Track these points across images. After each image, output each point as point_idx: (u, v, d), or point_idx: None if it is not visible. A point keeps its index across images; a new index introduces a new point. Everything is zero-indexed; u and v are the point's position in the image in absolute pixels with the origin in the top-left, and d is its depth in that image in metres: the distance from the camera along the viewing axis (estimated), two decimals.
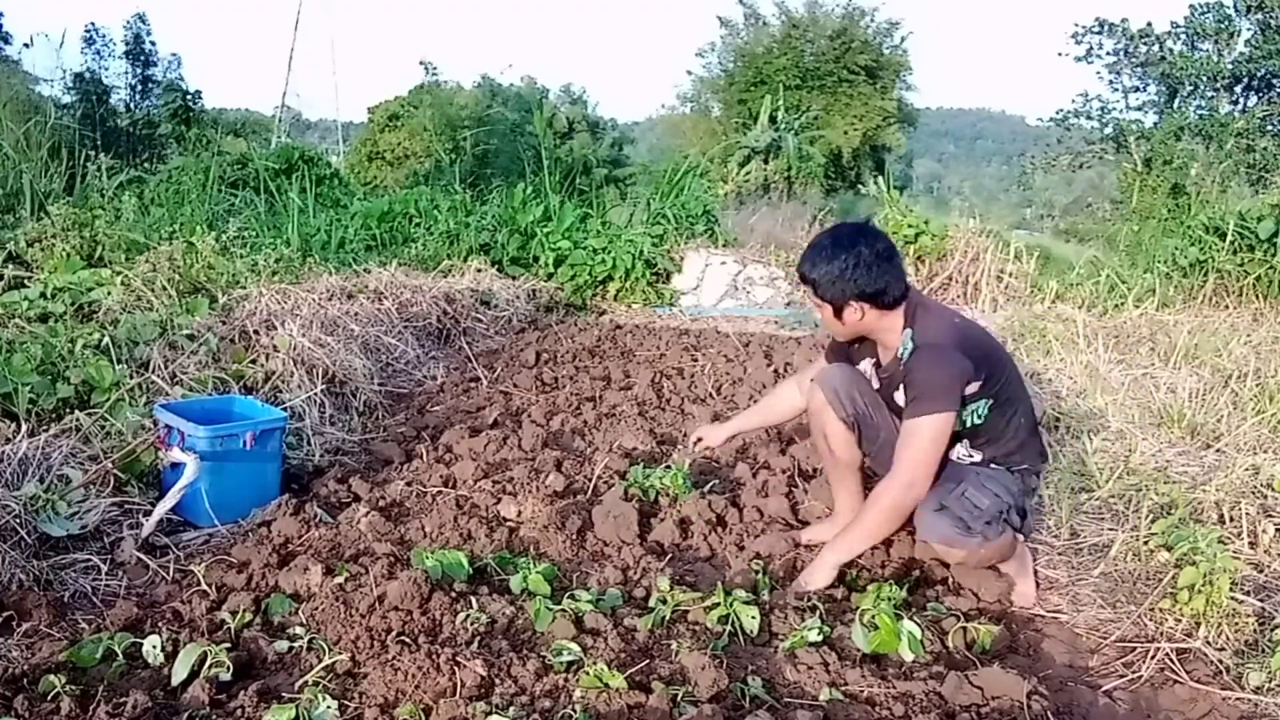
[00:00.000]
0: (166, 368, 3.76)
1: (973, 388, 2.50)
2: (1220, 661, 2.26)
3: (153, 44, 18.31)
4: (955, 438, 2.60)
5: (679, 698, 1.94)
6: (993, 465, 2.63)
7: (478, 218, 8.49)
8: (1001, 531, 2.53)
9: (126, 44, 18.04)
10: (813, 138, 25.22)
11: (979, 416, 2.56)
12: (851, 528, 2.61)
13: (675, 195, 9.88)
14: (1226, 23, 23.89)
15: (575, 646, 2.11)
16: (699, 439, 3.19)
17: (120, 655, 2.07)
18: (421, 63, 21.38)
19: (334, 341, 4.53)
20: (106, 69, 17.53)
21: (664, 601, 2.37)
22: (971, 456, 2.65)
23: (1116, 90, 26.02)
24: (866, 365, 2.79)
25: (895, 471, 2.51)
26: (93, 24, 17.56)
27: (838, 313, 2.58)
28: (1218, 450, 3.63)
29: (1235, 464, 3.30)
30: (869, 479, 2.90)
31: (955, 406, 2.47)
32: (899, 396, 2.60)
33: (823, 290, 2.56)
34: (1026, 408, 2.69)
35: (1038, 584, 2.78)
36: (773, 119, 24.93)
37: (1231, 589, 2.37)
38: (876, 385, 2.76)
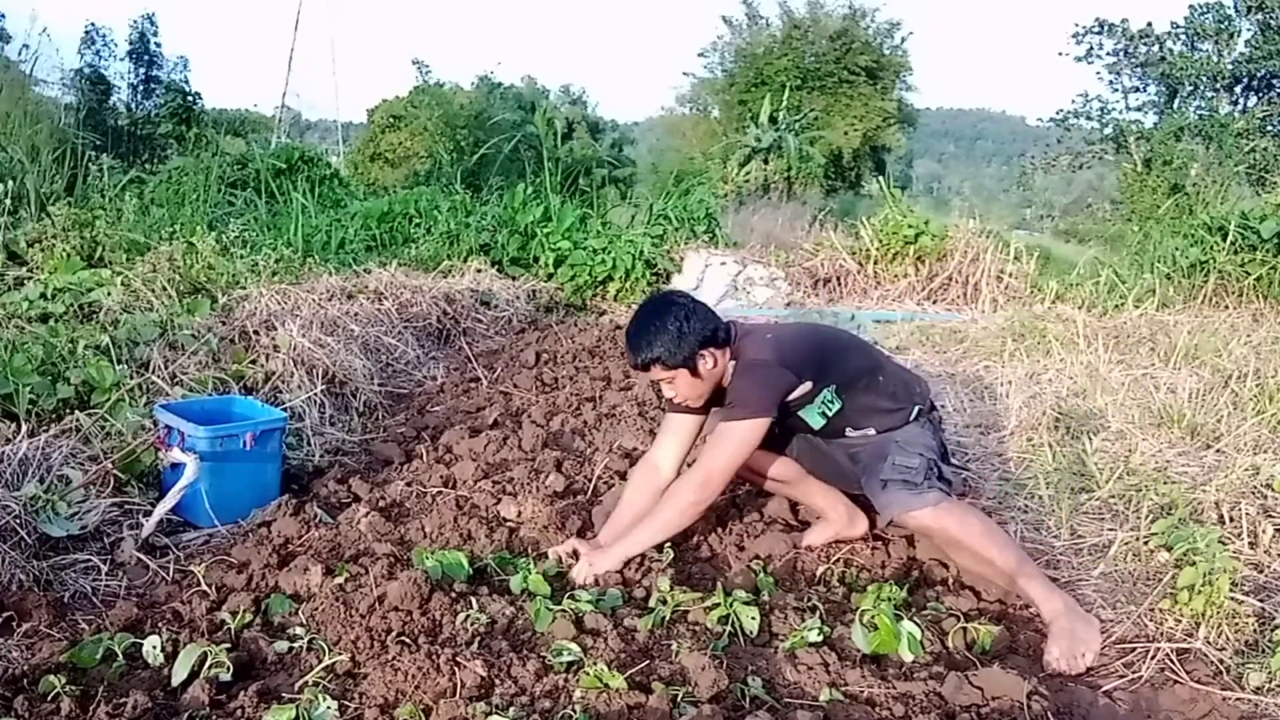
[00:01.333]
0: (166, 368, 3.76)
1: (804, 388, 2.62)
2: (1220, 661, 2.25)
3: (158, 45, 18.32)
4: (838, 429, 2.72)
5: (679, 698, 1.94)
6: (892, 430, 2.70)
7: (478, 218, 8.50)
8: (939, 484, 2.58)
9: (131, 44, 18.04)
10: (813, 138, 25.22)
11: (833, 406, 2.67)
12: (646, 524, 2.62)
13: (677, 197, 9.89)
14: (1226, 23, 23.89)
15: (575, 647, 2.11)
16: (573, 553, 2.71)
17: (120, 655, 2.07)
18: (414, 61, 21.23)
19: (334, 342, 4.53)
20: (107, 68, 17.53)
21: (664, 602, 2.37)
22: (866, 434, 2.72)
23: (1116, 90, 26.04)
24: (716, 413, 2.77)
25: (695, 469, 2.61)
26: (93, 24, 17.57)
27: (694, 371, 2.61)
28: (1218, 450, 3.63)
29: (1235, 464, 3.30)
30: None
31: (768, 413, 2.56)
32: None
33: (671, 359, 2.58)
34: (878, 370, 2.78)
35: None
36: (773, 119, 24.93)
37: (1231, 589, 2.37)
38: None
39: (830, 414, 2.68)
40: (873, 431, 2.72)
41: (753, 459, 2.74)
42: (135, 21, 18.12)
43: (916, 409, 2.75)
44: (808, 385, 2.62)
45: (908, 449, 2.64)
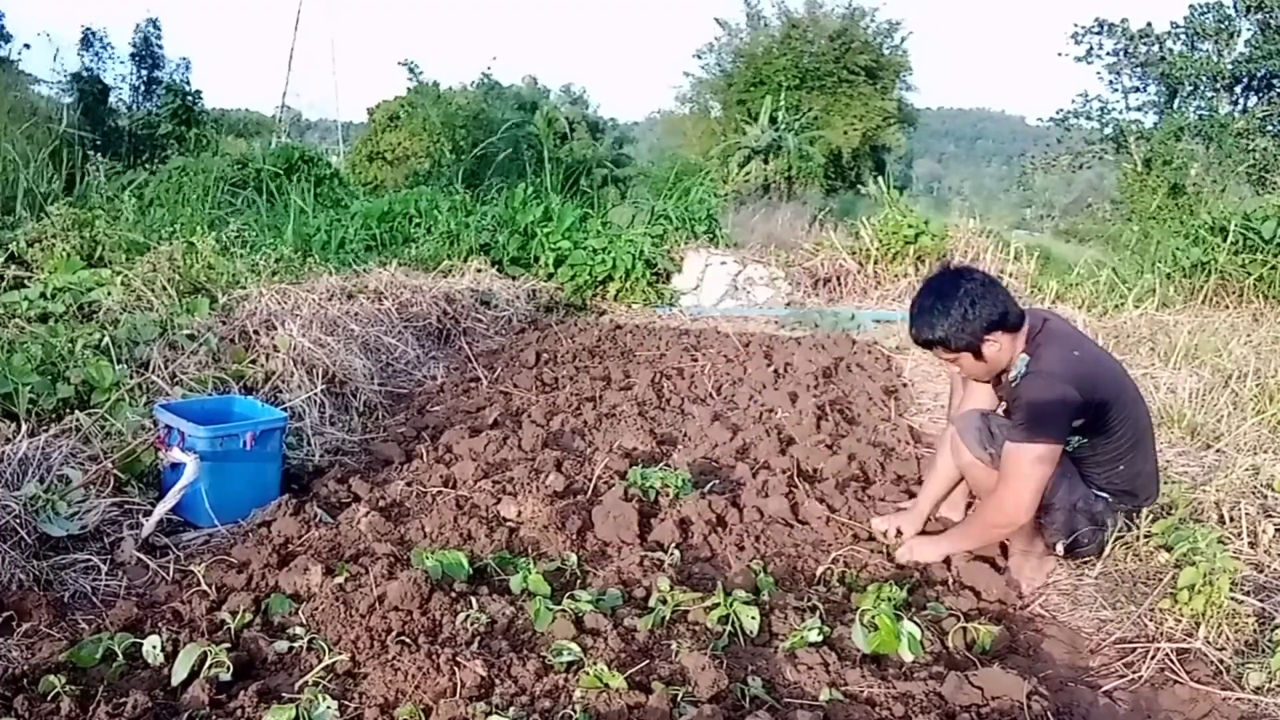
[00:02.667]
0: (166, 368, 3.76)
1: (1077, 422, 2.52)
2: (1220, 661, 2.25)
3: (160, 47, 18.34)
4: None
5: (679, 698, 1.94)
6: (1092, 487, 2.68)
7: (478, 218, 8.49)
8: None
9: (134, 46, 18.05)
10: (813, 138, 25.20)
11: (1070, 447, 2.61)
12: (964, 529, 2.79)
13: (677, 197, 9.89)
14: (1226, 23, 23.87)
15: (575, 646, 2.11)
16: (898, 531, 2.99)
17: (120, 655, 2.07)
18: (402, 63, 21.14)
19: (334, 341, 4.53)
20: (105, 70, 17.53)
21: (664, 601, 2.37)
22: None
23: (1116, 90, 26.00)
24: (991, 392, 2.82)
25: (996, 495, 2.57)
26: (89, 28, 17.57)
27: (978, 355, 2.57)
28: (1218, 450, 3.63)
29: (1235, 464, 3.30)
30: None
31: (1061, 438, 2.49)
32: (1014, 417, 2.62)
33: (955, 341, 2.55)
34: (1141, 451, 2.66)
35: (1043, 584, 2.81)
36: (773, 119, 24.92)
37: (1231, 589, 2.37)
38: (1002, 405, 2.77)
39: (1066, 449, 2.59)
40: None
41: (965, 467, 2.75)
42: (139, 25, 18.18)
43: (1126, 505, 2.70)
44: (1080, 423, 2.53)
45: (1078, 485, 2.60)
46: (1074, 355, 2.56)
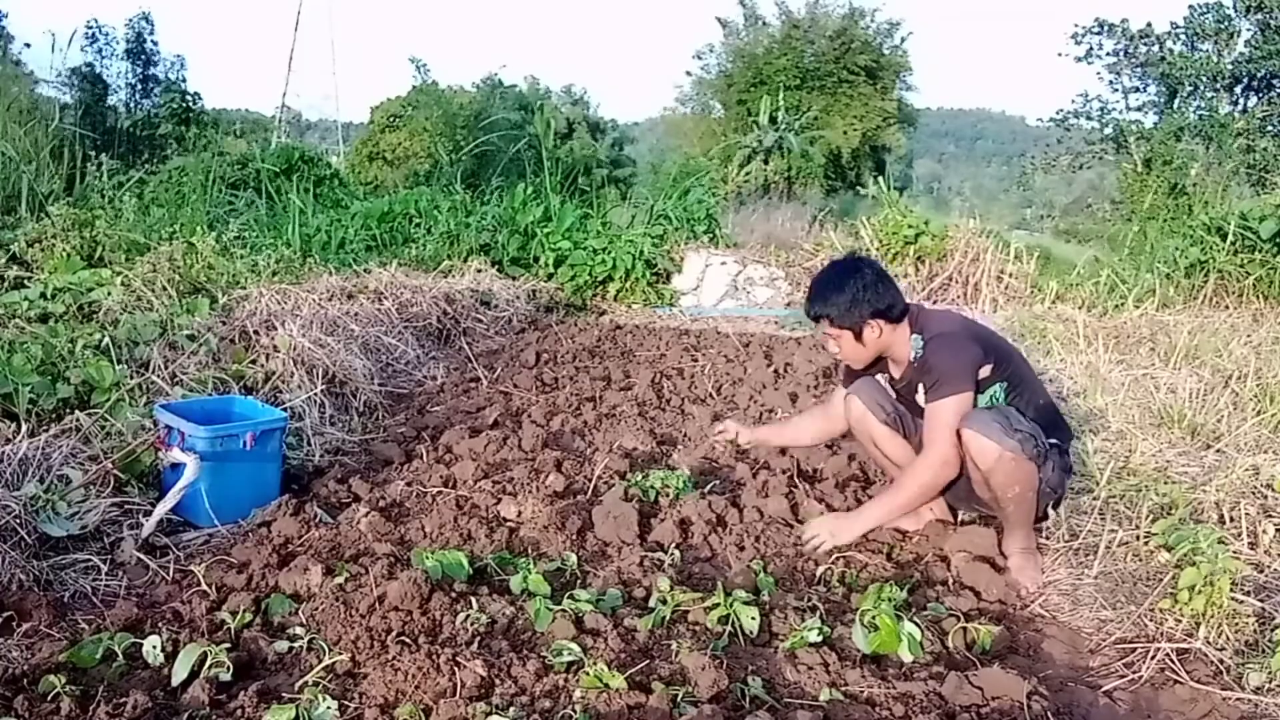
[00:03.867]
0: (166, 368, 3.76)
1: (985, 371, 2.70)
2: (1220, 661, 2.25)
3: (154, 43, 18.28)
4: None
5: (679, 698, 1.94)
6: None
7: (478, 218, 8.49)
8: (1036, 454, 2.63)
9: (128, 43, 17.98)
10: (813, 138, 25.21)
11: (996, 400, 2.73)
12: (888, 498, 2.84)
13: (677, 197, 9.88)
14: (1226, 23, 23.86)
15: (575, 646, 2.11)
16: (722, 430, 3.30)
17: (120, 655, 2.07)
18: (410, 60, 21.24)
19: (334, 342, 4.53)
20: (108, 68, 17.48)
21: (664, 602, 2.37)
22: None
23: (1116, 90, 25.98)
24: (881, 379, 3.00)
25: (927, 450, 2.70)
26: (94, 19, 17.46)
27: (858, 336, 2.78)
28: (1218, 450, 3.63)
29: (1235, 464, 3.30)
30: None
31: (972, 386, 2.67)
32: (920, 397, 2.78)
33: (840, 319, 2.76)
34: (1041, 391, 2.88)
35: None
36: (773, 119, 24.92)
37: (1231, 589, 2.37)
38: (894, 397, 2.97)
39: (992, 407, 2.72)
40: None
41: (878, 439, 2.96)
42: (131, 20, 18.11)
43: (1056, 442, 2.78)
44: (987, 370, 2.71)
45: (1025, 422, 2.68)
46: (958, 318, 2.88)
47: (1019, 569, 2.78)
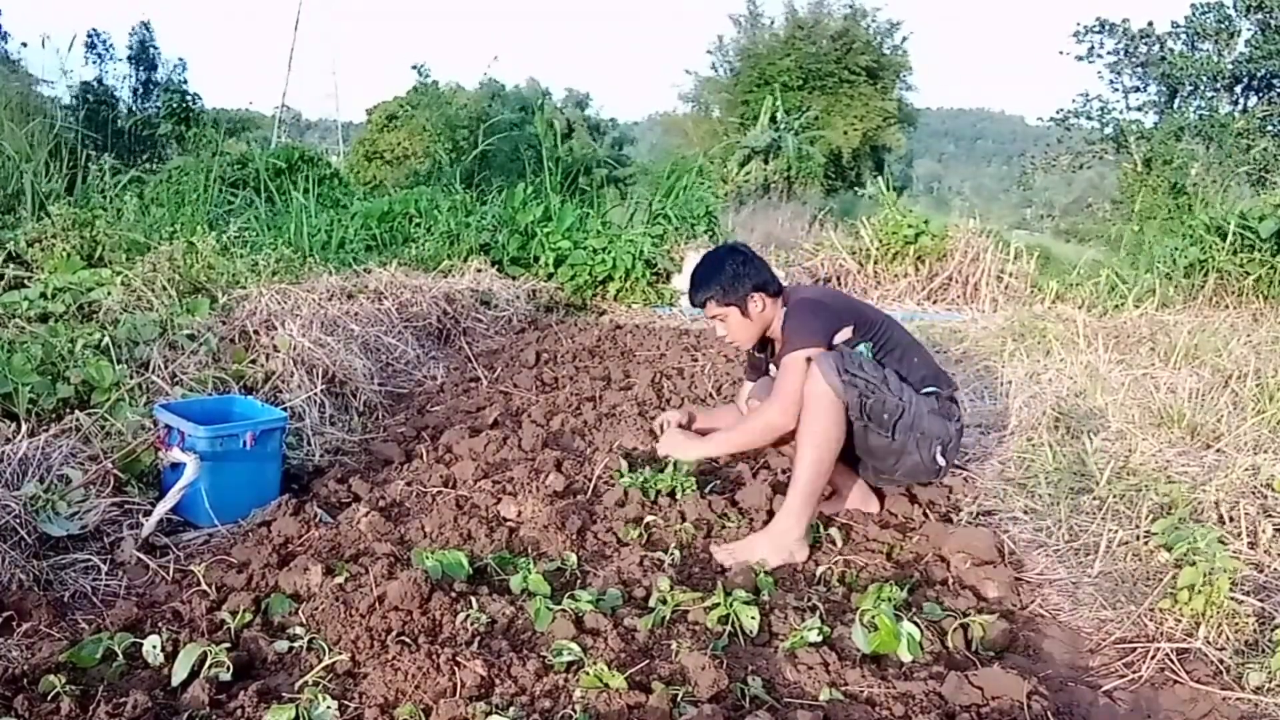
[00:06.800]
0: (166, 368, 3.76)
1: (845, 333, 2.86)
2: (1220, 661, 2.25)
3: (155, 49, 18.33)
4: None
5: (679, 698, 1.94)
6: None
7: (478, 218, 8.50)
8: (861, 406, 2.74)
9: (131, 49, 18.07)
10: (813, 138, 25.23)
11: (867, 355, 2.88)
12: (731, 434, 3.01)
13: (676, 196, 9.89)
14: (1227, 23, 23.86)
15: (575, 646, 2.11)
16: (665, 426, 3.29)
17: (120, 655, 2.07)
18: (414, 66, 21.28)
19: (334, 341, 4.53)
20: (108, 72, 17.54)
21: (664, 601, 2.37)
22: None
23: (1117, 90, 26.00)
24: (773, 369, 3.13)
25: (774, 397, 2.84)
26: (94, 30, 17.58)
27: (744, 311, 2.96)
28: (1218, 450, 3.63)
29: (1235, 464, 3.30)
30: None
31: (823, 342, 2.81)
32: None
33: (724, 297, 2.95)
34: (917, 349, 3.03)
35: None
36: (773, 119, 24.93)
37: (1231, 589, 2.37)
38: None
39: None
40: None
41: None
42: (134, 29, 18.21)
43: (933, 389, 2.94)
44: (847, 332, 2.86)
45: (889, 376, 2.81)
46: (825, 289, 3.18)
47: (764, 535, 2.80)
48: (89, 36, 17.29)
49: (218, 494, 2.94)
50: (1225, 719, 2.06)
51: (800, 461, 2.77)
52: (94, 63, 17.20)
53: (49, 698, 1.89)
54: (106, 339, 3.79)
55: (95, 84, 16.78)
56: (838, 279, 8.95)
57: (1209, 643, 2.31)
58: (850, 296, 3.15)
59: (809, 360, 2.75)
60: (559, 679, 2.00)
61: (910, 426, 2.83)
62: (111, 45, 17.61)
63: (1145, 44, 24.90)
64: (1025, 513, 3.29)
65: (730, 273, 2.92)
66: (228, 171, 9.86)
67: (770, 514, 3.06)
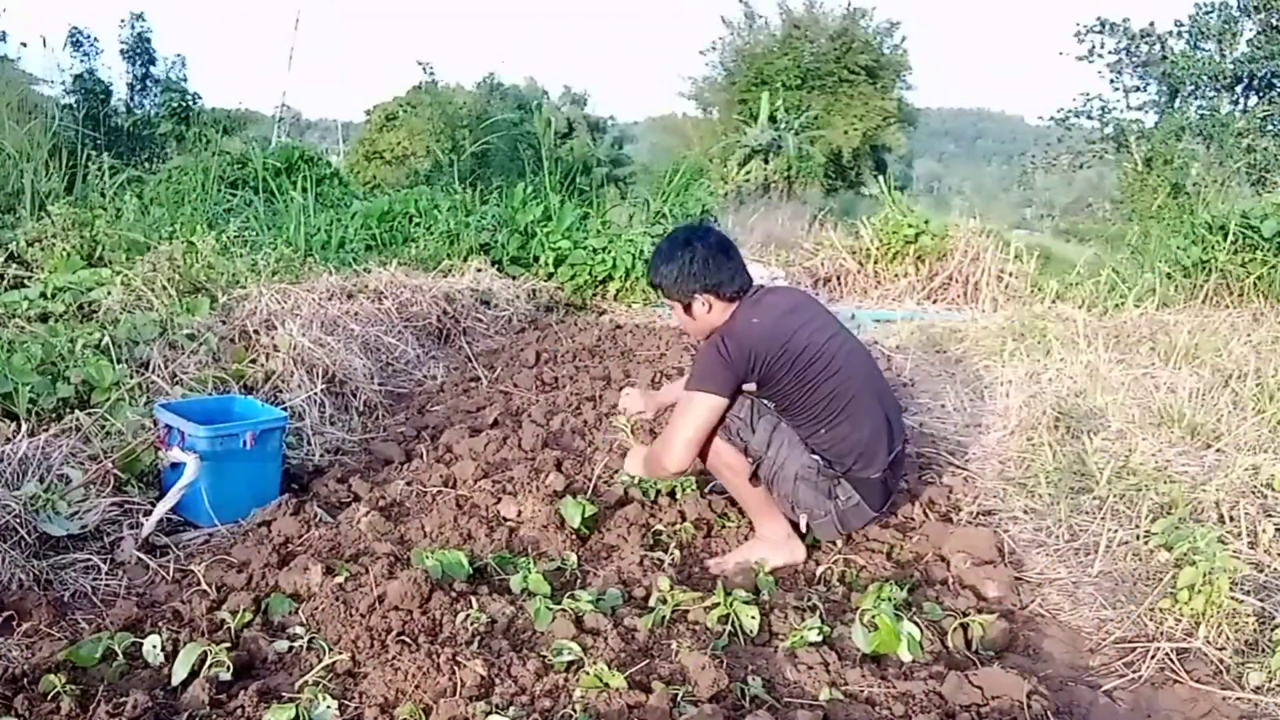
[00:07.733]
0: (166, 367, 3.76)
1: (749, 387, 2.71)
2: (1220, 661, 2.25)
3: (149, 40, 18.24)
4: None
5: (679, 698, 1.94)
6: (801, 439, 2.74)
7: (478, 217, 8.49)
8: (751, 461, 2.70)
9: (124, 43, 17.98)
10: (813, 137, 25.23)
11: (769, 407, 2.76)
12: (637, 459, 2.90)
13: (675, 195, 9.88)
14: (1230, 23, 23.84)
15: (575, 646, 2.11)
16: (630, 409, 3.24)
17: (120, 655, 2.07)
18: (419, 63, 21.34)
19: (334, 341, 4.53)
20: (97, 69, 17.43)
21: (664, 601, 2.37)
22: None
23: (1117, 90, 25.98)
24: None
25: (663, 433, 2.74)
26: (76, 28, 17.43)
27: (687, 309, 2.76)
28: (1218, 450, 3.63)
29: (1235, 464, 3.29)
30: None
31: (721, 392, 2.62)
32: None
33: (669, 290, 2.76)
34: (836, 420, 2.69)
35: (802, 536, 2.84)
36: (773, 119, 24.93)
37: (1231, 589, 2.37)
38: None
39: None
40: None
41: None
42: (125, 20, 18.08)
43: (822, 460, 2.72)
44: (752, 386, 2.71)
45: (779, 430, 2.70)
46: (751, 322, 2.69)
47: (752, 542, 2.82)
48: (72, 32, 17.16)
49: (218, 494, 2.94)
50: (1225, 718, 2.06)
51: (727, 485, 2.85)
52: (81, 60, 17.10)
53: (49, 697, 1.89)
54: (106, 339, 3.79)
55: (87, 75, 16.69)
56: (838, 279, 8.94)
57: (1209, 642, 2.31)
58: (802, 328, 2.70)
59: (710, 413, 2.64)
60: (559, 678, 2.00)
61: (772, 478, 2.73)
62: (96, 40, 17.51)
63: (1146, 44, 24.89)
64: (1025, 512, 3.29)
65: (677, 269, 2.71)
66: (227, 171, 9.86)
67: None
